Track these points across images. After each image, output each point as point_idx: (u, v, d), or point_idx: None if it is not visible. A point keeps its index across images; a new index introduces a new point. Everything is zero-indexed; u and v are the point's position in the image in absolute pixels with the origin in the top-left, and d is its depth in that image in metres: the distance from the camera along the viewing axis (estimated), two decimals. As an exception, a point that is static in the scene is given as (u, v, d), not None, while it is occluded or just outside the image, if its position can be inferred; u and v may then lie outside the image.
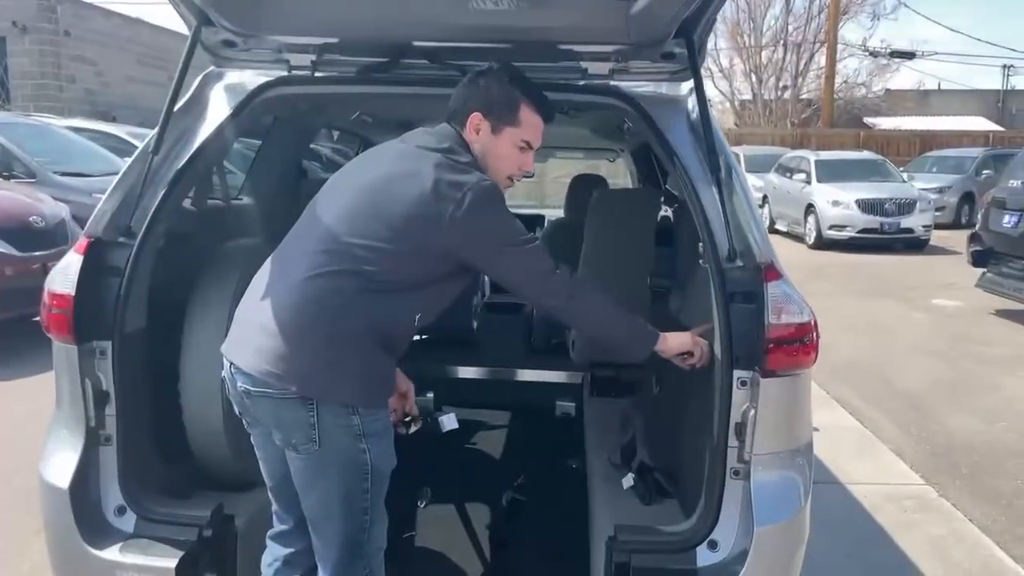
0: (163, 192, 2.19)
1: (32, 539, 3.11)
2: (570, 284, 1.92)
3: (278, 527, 2.05)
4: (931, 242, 14.23)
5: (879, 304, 9.19)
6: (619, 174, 5.99)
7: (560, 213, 4.66)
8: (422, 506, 3.00)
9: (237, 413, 1.93)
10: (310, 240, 1.82)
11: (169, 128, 2.22)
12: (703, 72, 2.24)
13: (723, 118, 33.03)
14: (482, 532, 2.91)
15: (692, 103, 2.29)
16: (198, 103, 2.37)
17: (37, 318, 2.38)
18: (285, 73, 2.39)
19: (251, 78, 2.42)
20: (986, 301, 8.53)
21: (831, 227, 14.08)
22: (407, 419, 2.18)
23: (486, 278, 4.03)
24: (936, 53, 47.14)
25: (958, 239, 11.62)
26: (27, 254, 6.01)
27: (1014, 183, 8.45)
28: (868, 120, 32.52)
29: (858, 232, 13.92)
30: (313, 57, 2.33)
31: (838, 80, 29.51)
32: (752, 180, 14.78)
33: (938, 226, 14.98)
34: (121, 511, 2.11)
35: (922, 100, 35.96)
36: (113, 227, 2.16)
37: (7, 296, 5.86)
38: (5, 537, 3.31)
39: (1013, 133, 27.36)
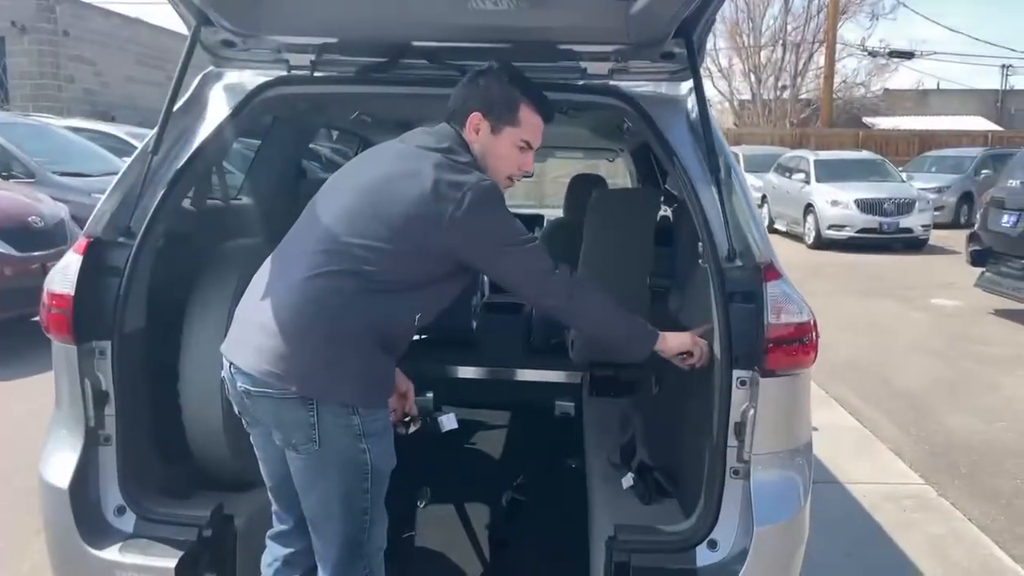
0: (162, 192, 2.19)
1: (32, 539, 3.11)
2: (570, 284, 1.92)
3: (278, 527, 2.05)
4: (930, 242, 14.24)
5: (878, 304, 9.19)
6: (618, 174, 5.99)
7: (559, 213, 4.66)
8: (422, 506, 3.00)
9: (237, 413, 1.93)
10: (310, 240, 1.82)
11: (168, 128, 2.22)
12: (702, 72, 2.24)
13: (722, 118, 33.03)
14: (482, 532, 2.91)
15: (691, 103, 2.29)
16: (197, 103, 2.37)
17: (36, 318, 2.38)
18: (284, 73, 2.39)
19: (250, 78, 2.42)
20: (985, 301, 8.54)
21: (830, 227, 14.10)
22: (406, 419, 2.18)
23: (485, 278, 4.03)
24: (935, 53, 47.29)
25: (957, 239, 11.63)
26: (26, 254, 6.01)
27: (1013, 183, 8.46)
28: (867, 120, 32.54)
29: (857, 232, 13.94)
30: (312, 57, 2.33)
31: (837, 80, 29.52)
32: (751, 180, 14.79)
33: (937, 226, 15.00)
34: (121, 511, 2.11)
35: (921, 100, 35.95)
36: (112, 227, 2.16)
37: (6, 296, 5.86)
38: (5, 537, 3.30)
39: (1012, 133, 27.38)
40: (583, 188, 4.11)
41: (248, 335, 1.80)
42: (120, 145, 9.78)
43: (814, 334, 2.00)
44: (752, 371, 1.94)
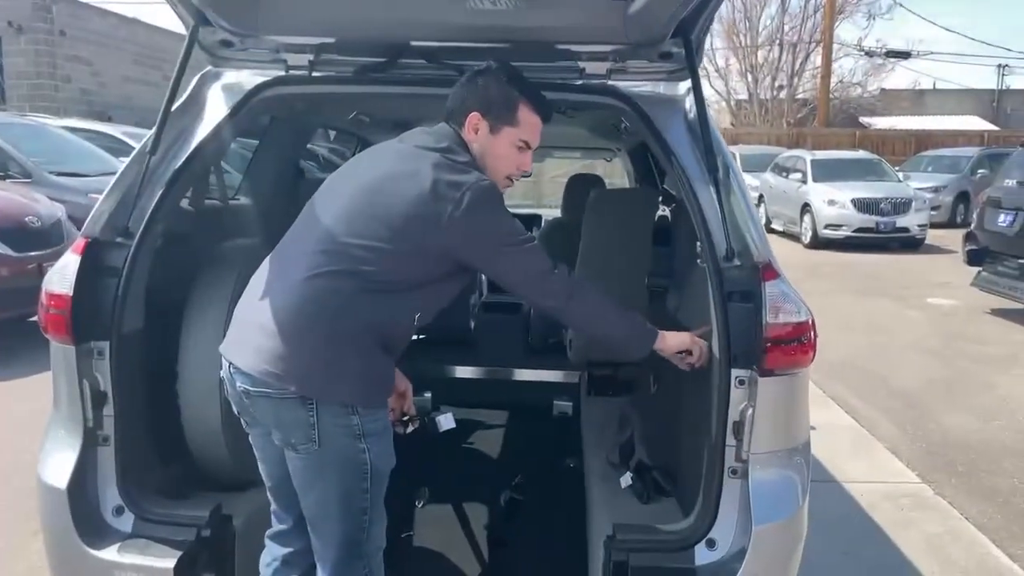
0: (161, 192, 2.19)
1: (30, 539, 3.11)
2: (569, 284, 1.92)
3: (277, 527, 2.05)
4: (927, 241, 14.26)
5: (875, 303, 9.21)
6: (616, 174, 6.00)
7: (557, 213, 4.66)
8: (420, 506, 3.00)
9: (236, 413, 1.93)
10: (308, 240, 1.82)
11: (166, 128, 2.22)
12: (700, 72, 2.24)
13: (719, 118, 33.05)
14: (480, 532, 2.91)
15: (690, 103, 2.30)
16: (195, 103, 2.36)
17: (34, 318, 2.38)
18: (282, 73, 2.39)
19: (248, 78, 2.42)
20: (981, 300, 8.56)
21: (827, 226, 14.12)
22: (405, 419, 2.18)
23: (483, 277, 4.03)
24: (931, 53, 47.34)
25: (953, 238, 11.66)
26: (23, 254, 6.00)
27: (1009, 182, 8.48)
28: (864, 120, 32.59)
29: (854, 231, 13.96)
30: (311, 57, 2.33)
31: (834, 80, 29.56)
32: (748, 179, 14.75)
33: (933, 225, 15.03)
34: (119, 511, 2.11)
35: (917, 100, 36.02)
36: (111, 227, 2.15)
37: (3, 296, 5.85)
38: (5, 537, 3.30)
39: (1008, 132, 27.41)
40: (581, 188, 4.10)
41: (247, 335, 1.79)
42: (117, 145, 9.76)
43: (812, 333, 2.00)
44: (750, 370, 1.95)
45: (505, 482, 3.14)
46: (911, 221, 14.03)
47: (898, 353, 6.96)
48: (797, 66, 33.01)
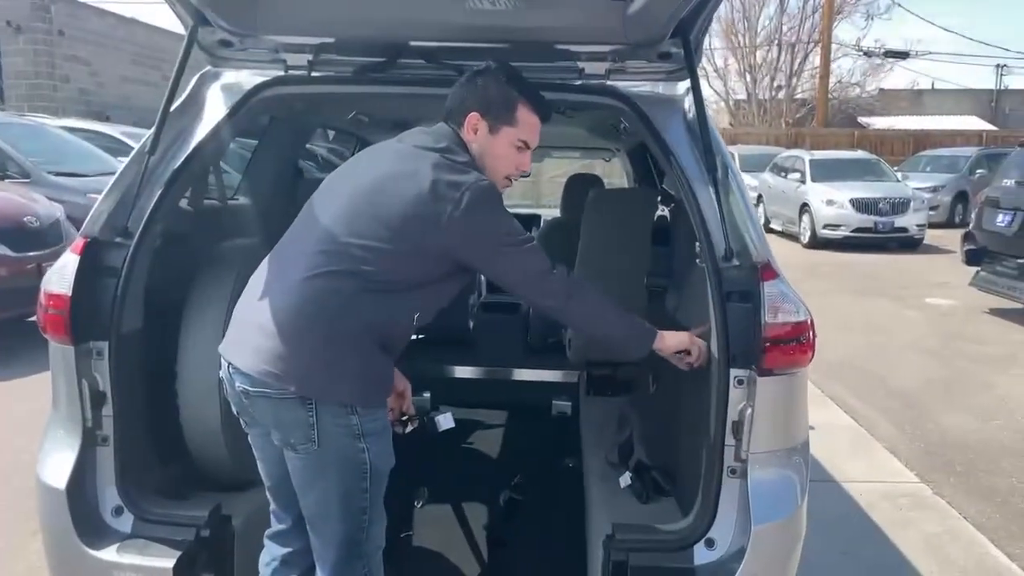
0: (160, 192, 2.19)
1: (29, 540, 3.11)
2: (568, 284, 1.92)
3: (276, 527, 2.05)
4: (925, 241, 14.27)
5: (873, 303, 9.21)
6: (615, 174, 6.00)
7: (556, 213, 4.66)
8: (419, 506, 3.00)
9: (235, 413, 1.93)
10: (308, 240, 1.82)
11: (165, 128, 2.22)
12: (699, 72, 2.24)
13: (718, 118, 33.06)
14: (479, 531, 2.91)
15: (689, 103, 2.30)
16: (194, 103, 2.36)
17: (33, 318, 2.38)
18: (282, 73, 2.39)
19: (247, 78, 2.42)
20: (980, 300, 8.57)
21: (825, 226, 14.13)
22: (404, 418, 2.18)
23: (483, 277, 4.03)
24: (930, 53, 47.39)
25: (952, 238, 11.68)
26: (21, 254, 5.99)
27: (1007, 182, 8.48)
28: (862, 120, 32.61)
29: (852, 231, 13.97)
30: (310, 57, 2.33)
31: (832, 80, 29.56)
32: (747, 179, 14.78)
33: (932, 225, 15.04)
34: (118, 511, 2.11)
35: (916, 100, 36.04)
36: (110, 227, 2.15)
37: (2, 297, 5.84)
38: (4, 537, 3.30)
39: (1006, 132, 27.42)
40: (580, 188, 4.11)
41: (246, 335, 1.80)
42: (115, 145, 9.75)
43: (811, 333, 2.00)
44: (749, 370, 1.95)
45: (504, 482, 3.14)
46: (909, 221, 14.03)
47: (897, 353, 6.97)
48: (796, 66, 33.06)
